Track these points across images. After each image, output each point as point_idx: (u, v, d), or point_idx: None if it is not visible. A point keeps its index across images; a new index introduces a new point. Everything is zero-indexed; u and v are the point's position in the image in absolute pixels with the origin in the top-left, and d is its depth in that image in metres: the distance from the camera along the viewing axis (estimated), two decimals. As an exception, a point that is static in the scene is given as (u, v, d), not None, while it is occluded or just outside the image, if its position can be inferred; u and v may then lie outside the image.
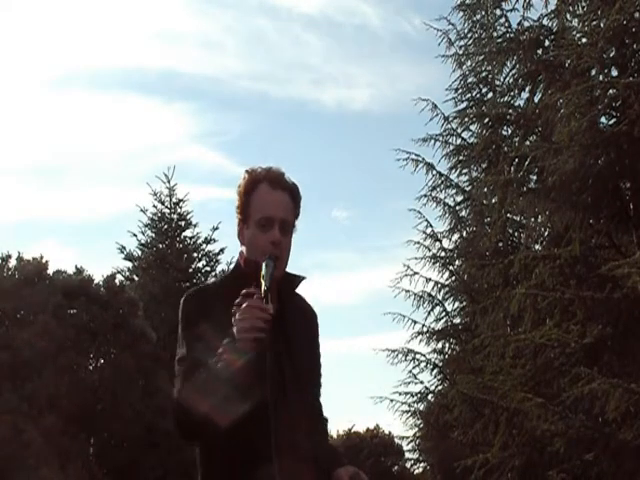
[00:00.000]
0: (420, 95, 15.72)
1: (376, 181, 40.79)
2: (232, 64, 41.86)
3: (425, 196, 15.61)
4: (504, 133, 13.28)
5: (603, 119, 10.18)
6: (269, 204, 2.61)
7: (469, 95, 15.05)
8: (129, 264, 22.67)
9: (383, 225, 41.75)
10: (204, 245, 22.90)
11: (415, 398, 16.11)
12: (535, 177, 10.96)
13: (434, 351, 15.90)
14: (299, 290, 2.77)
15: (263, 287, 2.47)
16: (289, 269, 2.71)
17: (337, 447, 2.90)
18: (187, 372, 2.54)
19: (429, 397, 16.17)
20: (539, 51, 11.36)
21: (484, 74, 14.66)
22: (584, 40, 10.21)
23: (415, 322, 15.79)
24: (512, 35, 12.50)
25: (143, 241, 22.68)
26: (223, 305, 2.52)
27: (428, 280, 15.73)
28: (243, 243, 2.69)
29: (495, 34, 13.61)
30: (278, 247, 2.59)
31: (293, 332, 2.65)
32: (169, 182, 22.71)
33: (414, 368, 15.81)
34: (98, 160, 37.00)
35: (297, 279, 2.72)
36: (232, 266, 2.80)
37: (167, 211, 22.85)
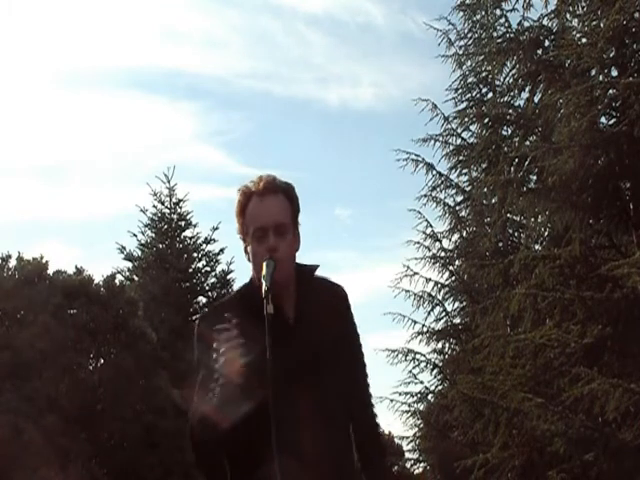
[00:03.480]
0: (425, 94, 15.77)
1: (379, 180, 40.76)
2: (236, 63, 41.94)
3: (425, 196, 15.64)
4: (504, 133, 13.27)
5: (603, 119, 10.19)
6: (259, 214, 2.63)
7: (469, 95, 15.05)
8: (129, 264, 22.69)
9: (386, 224, 41.69)
10: (204, 245, 22.92)
11: (415, 398, 16.12)
12: (535, 177, 10.95)
13: (434, 351, 15.91)
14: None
15: (264, 287, 2.48)
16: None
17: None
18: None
19: (429, 397, 16.19)
20: (539, 51, 11.35)
21: (484, 74, 14.66)
22: (584, 40, 10.19)
23: (415, 322, 15.80)
24: (512, 35, 12.48)
25: (143, 241, 22.70)
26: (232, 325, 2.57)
27: (428, 280, 15.74)
28: (249, 260, 2.71)
29: (495, 34, 13.59)
30: (275, 251, 2.59)
31: (306, 330, 2.63)
32: (169, 182, 22.76)
33: (414, 368, 15.83)
34: (100, 160, 37.05)
35: (310, 269, 2.72)
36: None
37: (167, 211, 22.87)
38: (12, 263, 19.14)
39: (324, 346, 2.63)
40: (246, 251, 2.69)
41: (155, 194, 22.71)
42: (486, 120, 13.05)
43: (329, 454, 2.57)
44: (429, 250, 15.97)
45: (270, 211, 2.63)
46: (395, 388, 16.09)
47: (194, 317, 22.05)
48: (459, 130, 15.02)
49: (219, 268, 22.81)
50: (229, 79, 42.48)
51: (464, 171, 15.12)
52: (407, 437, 17.08)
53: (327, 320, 2.68)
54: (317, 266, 2.73)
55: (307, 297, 2.67)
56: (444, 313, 15.85)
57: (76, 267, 19.92)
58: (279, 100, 42.17)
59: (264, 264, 2.53)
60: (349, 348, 2.74)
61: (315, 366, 2.60)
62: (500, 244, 14.12)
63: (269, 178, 2.69)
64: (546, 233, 11.82)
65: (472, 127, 14.63)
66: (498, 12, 13.80)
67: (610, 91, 9.70)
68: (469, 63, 14.62)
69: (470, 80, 14.93)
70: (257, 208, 2.64)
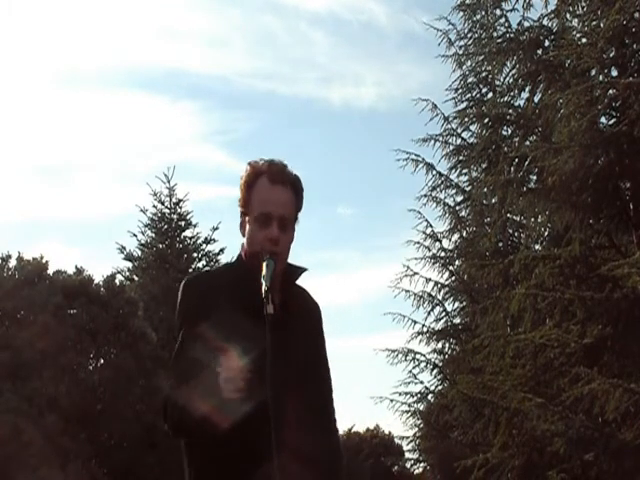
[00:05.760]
0: (426, 94, 15.80)
1: (382, 179, 40.92)
2: (239, 62, 41.98)
3: (425, 196, 15.65)
4: (504, 133, 13.27)
5: (603, 119, 10.19)
6: (268, 201, 2.62)
7: (469, 95, 15.07)
8: (129, 264, 22.71)
9: (387, 224, 41.78)
10: (204, 245, 22.93)
11: (415, 398, 16.14)
12: (535, 177, 10.95)
13: (434, 351, 15.93)
14: (303, 283, 2.78)
15: (263, 287, 2.48)
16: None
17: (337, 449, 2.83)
18: (185, 372, 2.53)
19: (429, 397, 16.20)
20: (539, 51, 11.35)
21: (484, 74, 14.67)
22: (584, 40, 10.20)
23: (415, 322, 15.84)
24: (512, 35, 12.47)
25: (143, 241, 22.72)
26: (225, 299, 2.56)
27: (428, 280, 15.76)
28: (244, 235, 2.70)
29: (495, 34, 13.59)
30: (276, 244, 2.59)
31: (294, 328, 2.64)
32: (169, 182, 22.77)
33: (414, 368, 15.86)
34: (100, 159, 37.11)
35: (298, 271, 2.72)
36: (234, 257, 2.79)
37: (167, 211, 22.88)
38: (12, 263, 19.14)
39: (300, 344, 2.65)
40: (242, 226, 2.69)
41: (155, 194, 22.75)
42: (486, 120, 13.04)
43: (326, 453, 2.58)
44: (429, 250, 16.01)
45: (279, 201, 2.63)
46: (395, 388, 16.14)
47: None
48: (459, 130, 15.04)
49: (219, 268, 22.81)
50: (231, 78, 42.57)
51: (464, 171, 15.14)
52: (407, 437, 17.12)
53: (307, 323, 2.72)
54: (305, 269, 2.73)
55: (291, 294, 2.68)
56: (444, 313, 15.87)
57: (76, 267, 19.92)
58: (281, 99, 42.26)
59: (264, 264, 2.53)
60: (323, 359, 2.79)
61: (304, 365, 2.62)
62: (500, 244, 14.13)
63: (281, 165, 2.68)
64: (546, 233, 11.83)
65: (472, 127, 14.66)
66: (498, 12, 13.83)
67: (610, 91, 9.70)
68: (469, 63, 14.65)
69: (470, 80, 14.95)
70: (266, 193, 2.63)
